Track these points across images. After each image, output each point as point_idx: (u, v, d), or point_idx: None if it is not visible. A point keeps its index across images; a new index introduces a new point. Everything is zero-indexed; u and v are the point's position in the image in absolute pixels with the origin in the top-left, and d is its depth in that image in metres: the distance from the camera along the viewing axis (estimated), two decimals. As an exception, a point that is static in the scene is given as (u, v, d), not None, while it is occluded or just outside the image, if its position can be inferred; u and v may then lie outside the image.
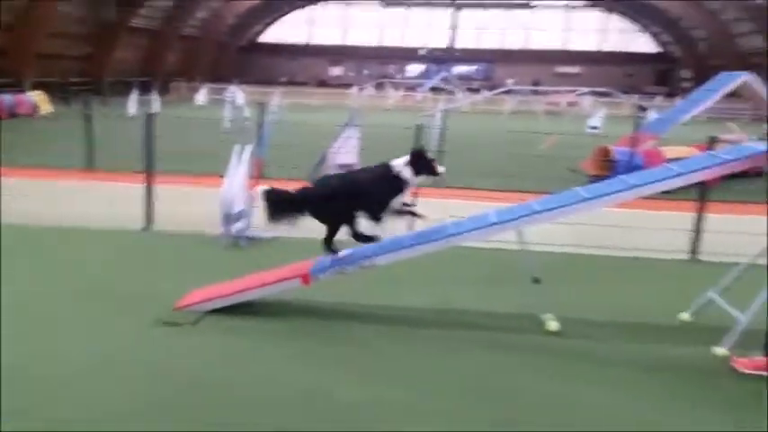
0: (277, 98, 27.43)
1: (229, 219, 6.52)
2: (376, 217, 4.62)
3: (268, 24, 59.25)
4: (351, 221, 4.61)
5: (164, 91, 34.41)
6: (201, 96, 32.20)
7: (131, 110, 22.41)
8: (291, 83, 49.28)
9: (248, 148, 6.79)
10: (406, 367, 4.10)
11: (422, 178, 4.63)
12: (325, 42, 57.87)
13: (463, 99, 35.10)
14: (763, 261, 4.43)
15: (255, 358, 4.14)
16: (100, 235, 7.04)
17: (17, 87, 26.77)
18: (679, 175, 4.45)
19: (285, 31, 59.04)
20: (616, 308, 5.20)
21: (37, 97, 24.54)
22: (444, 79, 41.21)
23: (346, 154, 10.59)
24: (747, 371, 4.06)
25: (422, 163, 4.59)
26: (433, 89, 38.36)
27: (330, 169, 10.64)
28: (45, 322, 4.59)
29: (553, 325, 4.70)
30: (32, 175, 10.33)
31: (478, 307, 5.14)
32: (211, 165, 6.92)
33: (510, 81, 45.04)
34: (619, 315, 5.05)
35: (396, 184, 4.57)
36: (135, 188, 7.72)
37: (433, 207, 7.17)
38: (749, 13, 39.59)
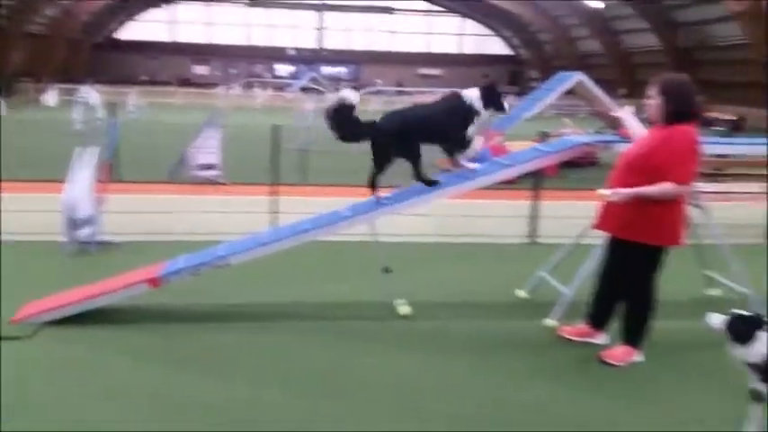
0: (134, 98, 26.18)
1: (74, 224, 6.18)
2: (452, 148, 4.67)
3: (125, 22, 56.05)
4: (418, 158, 4.54)
5: (9, 92, 31.41)
6: (51, 97, 29.95)
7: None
8: (152, 82, 47.02)
9: (93, 150, 6.47)
10: (261, 363, 4.15)
11: (490, 111, 4.68)
12: (188, 40, 55.80)
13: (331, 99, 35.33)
14: (586, 241, 4.97)
15: (100, 366, 4.00)
16: None
17: None
18: (508, 166, 4.88)
19: (145, 28, 56.21)
20: (461, 290, 5.59)
21: None
22: (314, 79, 41.23)
23: (207, 154, 10.40)
24: (572, 338, 4.55)
25: (492, 97, 4.61)
26: (303, 89, 38.29)
27: (190, 169, 10.40)
28: None
29: (404, 309, 4.97)
30: None
31: (334, 299, 5.30)
32: (61, 169, 6.54)
33: (378, 81, 46.09)
34: (464, 296, 5.45)
35: (468, 115, 4.57)
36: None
37: (296, 204, 7.33)
38: (586, 19, 43.59)
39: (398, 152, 4.53)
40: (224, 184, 10.21)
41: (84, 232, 6.26)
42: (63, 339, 4.31)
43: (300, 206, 7.11)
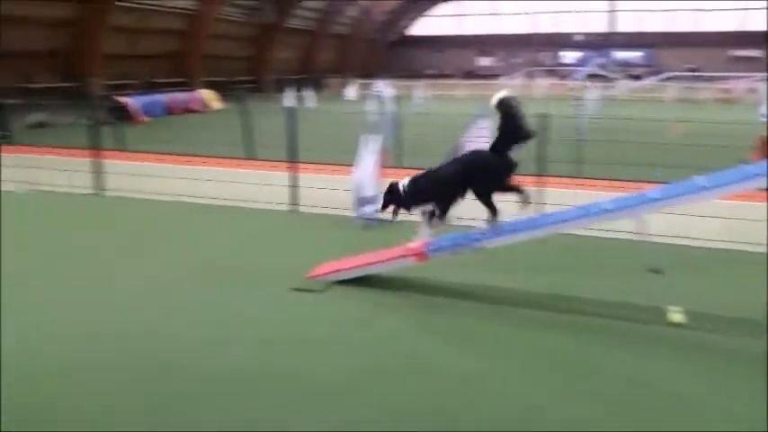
0: (420, 91, 28.15)
1: (361, 202, 7.07)
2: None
3: (416, 19, 60.27)
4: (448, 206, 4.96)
5: (318, 87, 36.51)
6: (351, 91, 33.75)
7: (288, 105, 24.13)
8: (438, 75, 49.83)
9: (377, 139, 7.29)
10: (516, 347, 4.29)
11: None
12: (473, 33, 57.62)
13: (621, 87, 33.34)
14: None
15: (371, 324, 4.63)
16: (252, 213, 8.05)
17: (189, 86, 30.06)
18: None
19: (433, 24, 59.68)
20: (743, 303, 4.95)
21: (206, 95, 27.30)
22: (601, 66, 39.36)
23: (478, 143, 10.76)
24: None
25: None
26: (590, 76, 36.83)
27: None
28: (195, 288, 5.40)
29: (677, 317, 4.57)
30: (203, 162, 11.74)
31: (592, 295, 5.16)
32: (352, 156, 7.62)
33: (687, 67, 41.37)
34: (745, 310, 4.81)
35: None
36: (282, 175, 8.58)
37: (565, 197, 7.25)
38: None
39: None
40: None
41: (368, 209, 7.11)
42: (344, 296, 5.12)
43: (567, 198, 7.01)
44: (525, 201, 4.89)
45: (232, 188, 9.00)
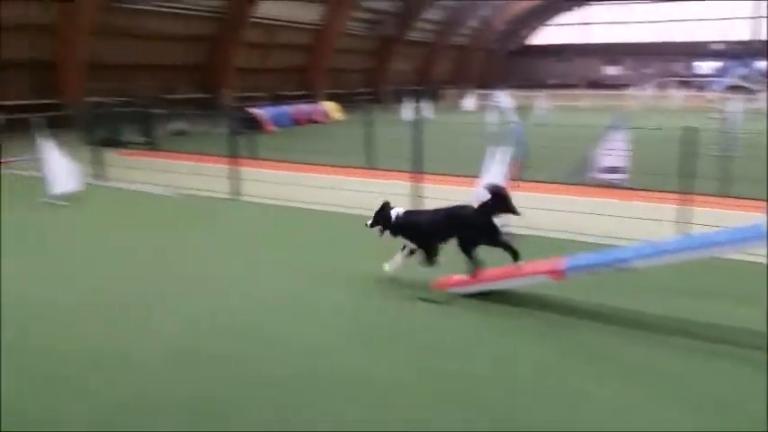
0: (542, 101, 27.33)
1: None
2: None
3: (537, 28, 58.90)
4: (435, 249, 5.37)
5: (434, 98, 36.57)
6: (469, 102, 33.45)
7: (406, 116, 24.37)
8: (561, 85, 48.26)
9: (505, 150, 7.04)
10: (649, 372, 3.97)
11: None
12: (599, 41, 55.36)
13: (765, 99, 30.55)
14: None
15: (498, 339, 4.46)
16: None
17: (313, 98, 31.21)
18: None
19: (557, 32, 58.04)
20: None
21: (329, 106, 28.16)
22: (743, 76, 36.34)
23: (613, 157, 10.19)
24: None
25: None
26: (730, 88, 34.11)
27: (593, 172, 10.37)
28: (327, 294, 5.46)
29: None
30: (325, 171, 12.05)
31: (744, 324, 4.63)
32: (475, 166, 7.41)
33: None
34: None
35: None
36: (405, 185, 8.54)
37: (713, 218, 6.66)
38: None
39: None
40: (628, 188, 9.84)
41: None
42: (471, 308, 4.96)
43: (715, 219, 6.43)
44: (515, 257, 5.03)
45: (355, 197, 9.12)
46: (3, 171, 11.88)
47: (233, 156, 10.04)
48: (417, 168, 8.33)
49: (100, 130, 15.58)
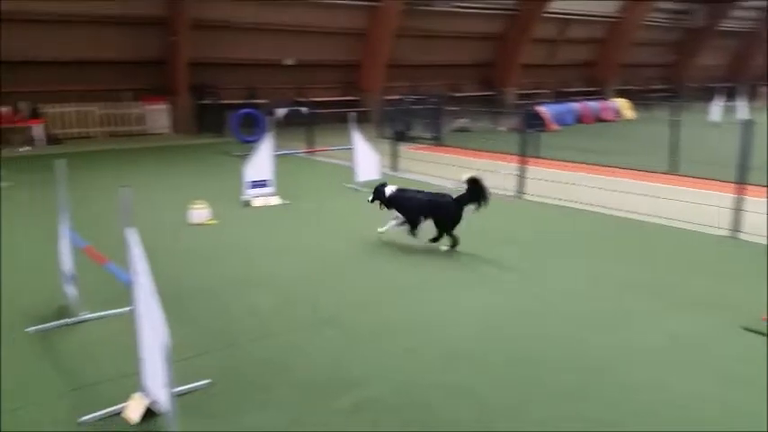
0: None
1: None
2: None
3: None
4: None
5: (750, 96, 31.45)
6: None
7: (714, 116, 21.44)
8: None
9: None
10: None
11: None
12: None
13: None
14: None
15: None
16: (678, 235, 7.21)
17: (601, 95, 29.33)
18: None
19: None
20: None
21: (620, 104, 26.12)
22: None
23: None
24: None
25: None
26: None
27: None
28: (622, 303, 4.81)
29: None
30: (614, 172, 11.09)
31: None
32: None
33: None
34: None
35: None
36: (719, 195, 7.35)
37: None
38: None
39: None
40: None
41: None
42: None
43: None
44: (451, 245, 6.47)
45: (650, 203, 8.22)
46: (318, 158, 13.44)
47: (522, 154, 9.73)
48: (742, 178, 7.03)
49: (394, 125, 16.70)
